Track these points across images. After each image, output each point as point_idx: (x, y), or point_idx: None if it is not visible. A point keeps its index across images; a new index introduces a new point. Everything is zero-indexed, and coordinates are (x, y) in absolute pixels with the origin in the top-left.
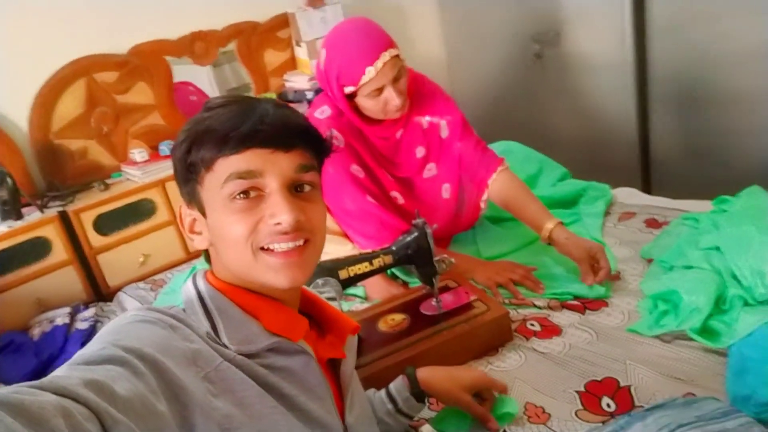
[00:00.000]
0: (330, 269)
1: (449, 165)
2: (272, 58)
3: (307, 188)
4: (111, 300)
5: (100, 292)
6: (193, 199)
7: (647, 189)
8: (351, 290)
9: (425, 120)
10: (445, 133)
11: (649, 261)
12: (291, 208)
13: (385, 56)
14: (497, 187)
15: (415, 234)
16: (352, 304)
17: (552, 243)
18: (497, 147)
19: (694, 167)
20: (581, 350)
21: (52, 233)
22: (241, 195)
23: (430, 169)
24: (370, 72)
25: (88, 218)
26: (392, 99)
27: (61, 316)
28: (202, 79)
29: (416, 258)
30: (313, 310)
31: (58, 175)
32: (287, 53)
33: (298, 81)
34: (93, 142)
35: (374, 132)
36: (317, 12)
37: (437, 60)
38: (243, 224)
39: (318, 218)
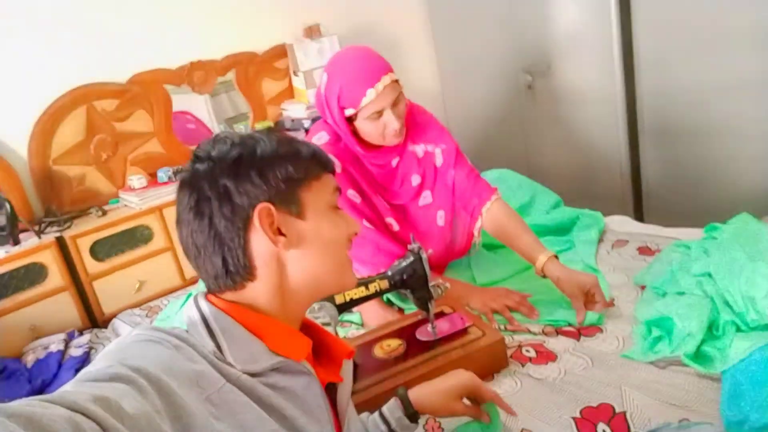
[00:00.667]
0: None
1: (444, 193)
2: (270, 87)
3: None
4: (106, 327)
5: (94, 319)
6: (291, 201)
7: (639, 217)
8: (347, 317)
9: (420, 148)
10: (439, 161)
11: (642, 287)
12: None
13: (386, 79)
14: (490, 216)
15: (411, 259)
16: (348, 330)
17: (545, 277)
18: (490, 175)
19: (684, 195)
20: (576, 376)
21: (49, 259)
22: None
23: (426, 197)
24: (371, 94)
25: (84, 244)
26: (391, 122)
27: (55, 343)
28: (200, 108)
29: (412, 283)
30: (309, 334)
31: (56, 201)
32: (285, 83)
33: (296, 110)
34: (92, 169)
35: (371, 158)
36: (314, 43)
37: (432, 91)
38: (339, 231)
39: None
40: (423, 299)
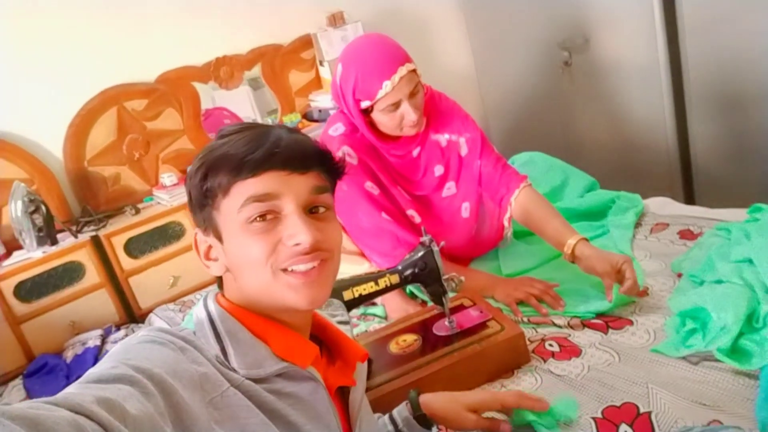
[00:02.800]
0: (334, 290)
1: (469, 183)
2: (297, 79)
3: (321, 210)
4: (143, 321)
5: (132, 314)
6: (209, 225)
7: (689, 198)
8: (370, 309)
9: (444, 138)
10: (464, 150)
11: (680, 275)
12: (309, 228)
13: (402, 71)
14: (518, 204)
15: (422, 252)
16: (371, 324)
17: (575, 260)
18: (519, 158)
19: (739, 173)
20: (600, 372)
21: (85, 257)
22: (258, 218)
23: (449, 188)
24: (386, 86)
25: (119, 242)
26: (408, 114)
27: (92, 339)
28: (244, 102)
29: (423, 277)
30: (323, 336)
31: (93, 201)
32: (312, 73)
33: (323, 100)
34: (125, 168)
35: (389, 149)
36: (338, 31)
37: (465, 71)
38: (262, 245)
39: (334, 237)
40: (437, 294)
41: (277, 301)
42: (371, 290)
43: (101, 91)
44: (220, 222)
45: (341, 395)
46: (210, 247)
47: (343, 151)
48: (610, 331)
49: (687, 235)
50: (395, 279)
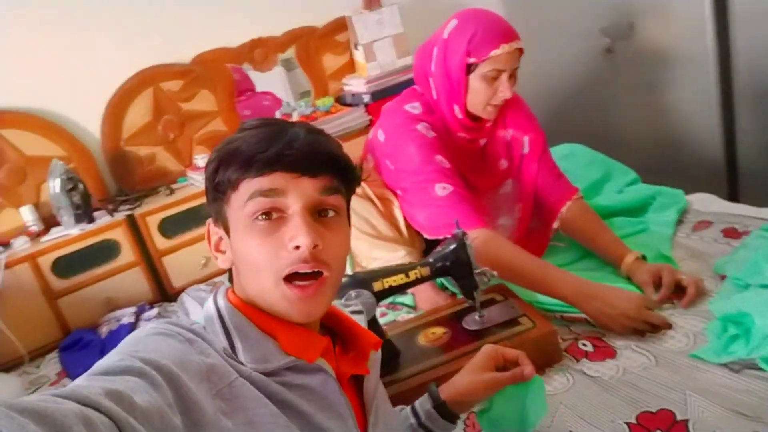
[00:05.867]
0: (364, 281)
1: (525, 184)
2: (331, 62)
3: (330, 213)
4: (175, 300)
5: (165, 293)
6: (219, 217)
7: (733, 195)
8: (399, 299)
9: (509, 133)
10: (526, 149)
11: (723, 277)
12: (310, 231)
13: (518, 44)
14: (570, 216)
15: (454, 246)
16: (399, 314)
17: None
18: (560, 150)
19: None
20: (636, 376)
21: (121, 236)
22: (263, 216)
23: (507, 186)
24: (503, 48)
25: (153, 222)
26: (504, 89)
27: (127, 316)
28: (276, 83)
29: (454, 270)
30: (336, 325)
31: (128, 180)
32: (345, 57)
33: (356, 84)
34: (160, 149)
35: (463, 132)
36: (373, 14)
37: None
38: (264, 249)
39: (337, 248)
40: (467, 288)
41: (272, 308)
42: (401, 282)
43: (138, 71)
44: (229, 216)
45: (356, 384)
46: (220, 238)
47: (422, 125)
48: (648, 333)
49: (732, 234)
50: (426, 271)
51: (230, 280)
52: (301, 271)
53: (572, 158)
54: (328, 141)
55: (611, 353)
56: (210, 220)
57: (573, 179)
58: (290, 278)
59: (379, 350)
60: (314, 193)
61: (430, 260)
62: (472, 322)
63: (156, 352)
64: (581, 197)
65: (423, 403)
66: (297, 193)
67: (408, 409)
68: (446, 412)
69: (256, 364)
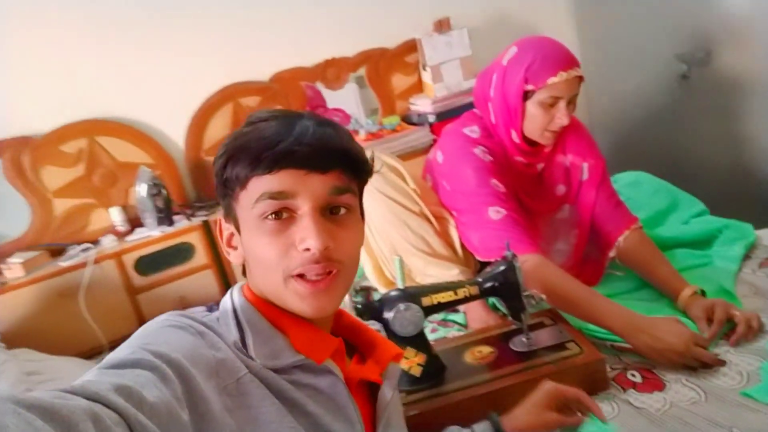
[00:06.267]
0: (413, 295)
1: (583, 211)
2: (399, 82)
3: (342, 211)
4: None
5: None
6: (229, 214)
7: None
8: (451, 316)
9: (568, 159)
10: (585, 175)
11: None
12: (319, 232)
13: (577, 71)
14: (627, 246)
15: (503, 267)
16: (450, 331)
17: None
18: (624, 178)
19: None
20: (683, 410)
21: (196, 239)
22: (273, 216)
23: (564, 211)
24: (561, 76)
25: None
26: (561, 117)
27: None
28: (350, 100)
29: (503, 291)
30: (353, 337)
31: (206, 188)
32: (414, 77)
33: (423, 104)
34: None
35: (520, 156)
36: (443, 37)
37: None
38: (274, 248)
39: (349, 246)
40: (515, 309)
41: (284, 305)
42: (450, 299)
43: (221, 88)
44: (239, 213)
45: (370, 393)
46: (231, 234)
47: (480, 149)
48: (701, 369)
49: None
50: (474, 290)
51: (244, 274)
52: (312, 273)
53: (637, 186)
54: (338, 134)
55: (660, 386)
56: (221, 216)
57: (637, 208)
58: (300, 275)
59: (400, 363)
60: (324, 194)
61: (479, 280)
62: (519, 343)
63: (167, 345)
64: (640, 227)
65: (484, 429)
66: (307, 193)
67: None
68: None
69: (265, 359)
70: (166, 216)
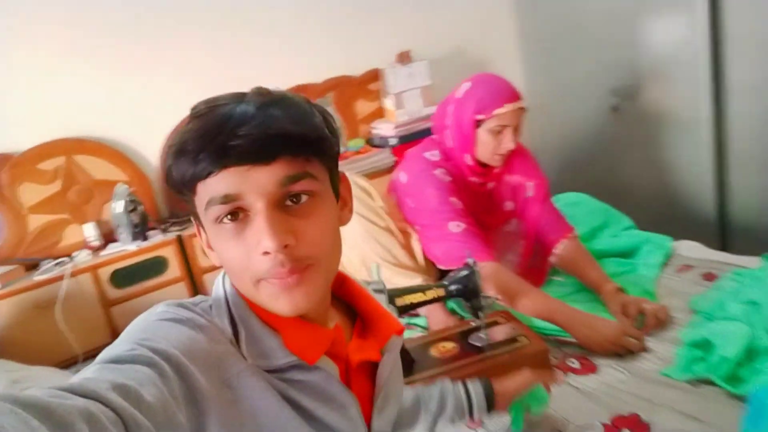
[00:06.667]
0: (389, 296)
1: (527, 223)
2: (363, 107)
3: (303, 198)
4: None
5: None
6: (196, 217)
7: (724, 245)
8: (414, 320)
9: (515, 179)
10: (530, 193)
11: (694, 312)
12: (274, 232)
13: (520, 103)
14: (563, 253)
15: (466, 272)
16: (414, 333)
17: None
18: (567, 198)
19: None
20: (613, 388)
21: (170, 254)
22: (229, 217)
23: (511, 224)
24: (506, 107)
25: (198, 243)
26: (507, 142)
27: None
28: None
29: (465, 293)
30: (358, 306)
31: (178, 205)
32: (376, 104)
33: (385, 128)
34: None
35: (474, 176)
36: (405, 68)
37: None
38: (235, 252)
39: (318, 235)
40: (475, 308)
41: (263, 306)
42: (420, 299)
43: None
44: (200, 217)
45: (372, 368)
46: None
47: (439, 170)
48: (627, 355)
49: (710, 277)
50: (441, 292)
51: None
52: (280, 276)
53: (578, 206)
54: (284, 113)
55: (594, 369)
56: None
57: (576, 224)
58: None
59: (402, 336)
60: (273, 187)
61: (446, 283)
62: (477, 339)
63: (166, 341)
64: (576, 236)
65: (476, 388)
66: (254, 190)
67: (459, 384)
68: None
69: (256, 359)
70: (141, 231)
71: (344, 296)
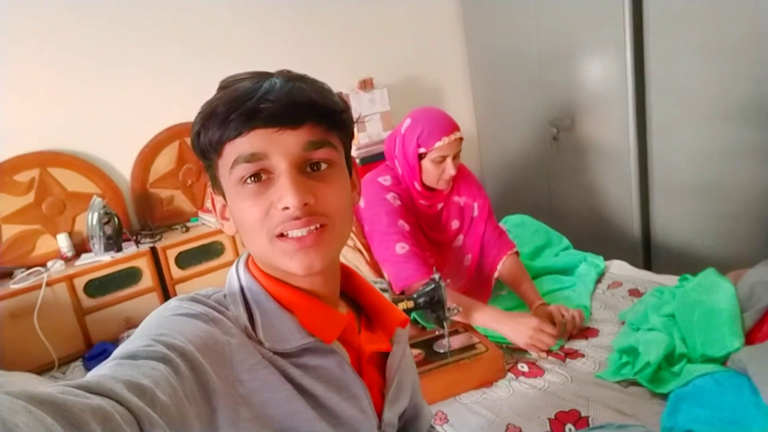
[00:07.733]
0: None
1: (473, 240)
2: None
3: (323, 166)
4: None
5: None
6: (215, 184)
7: (648, 264)
8: None
9: (462, 200)
10: (475, 212)
11: (623, 323)
12: (297, 190)
13: (457, 134)
14: (505, 267)
15: (433, 286)
16: None
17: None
18: (512, 219)
19: (690, 246)
20: (558, 388)
21: (143, 264)
22: (252, 178)
23: (459, 240)
24: (444, 140)
25: (171, 254)
26: (448, 169)
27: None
28: None
29: (432, 305)
30: (363, 300)
31: (150, 217)
32: None
33: None
34: (179, 192)
35: (422, 198)
36: (366, 94)
37: (468, 136)
38: (255, 210)
39: (334, 199)
40: (440, 318)
41: (275, 266)
42: None
43: (168, 126)
44: (222, 182)
45: (381, 360)
46: (224, 206)
47: (391, 195)
48: (568, 360)
49: (635, 293)
50: (411, 304)
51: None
52: (294, 231)
53: (523, 227)
54: (309, 87)
55: (541, 373)
56: (209, 188)
57: (522, 244)
58: (285, 234)
59: (407, 327)
60: (298, 150)
61: (414, 296)
62: (440, 346)
63: (181, 336)
64: (516, 252)
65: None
66: (280, 152)
67: None
68: None
69: (273, 342)
70: (114, 242)
71: (350, 291)
